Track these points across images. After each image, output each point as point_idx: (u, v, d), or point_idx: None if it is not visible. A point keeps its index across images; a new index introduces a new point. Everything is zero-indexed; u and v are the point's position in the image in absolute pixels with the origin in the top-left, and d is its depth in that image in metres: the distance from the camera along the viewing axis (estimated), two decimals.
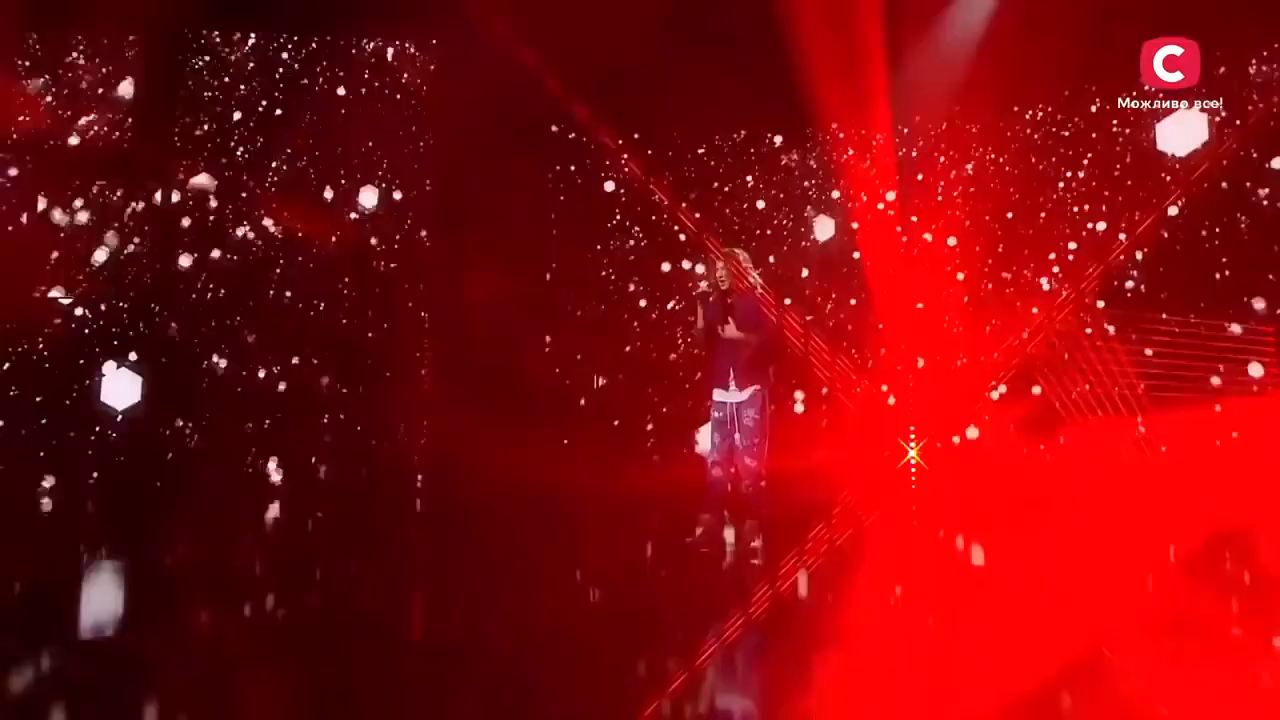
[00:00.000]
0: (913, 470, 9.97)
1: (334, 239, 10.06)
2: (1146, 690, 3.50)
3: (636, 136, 10.14)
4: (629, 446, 10.00)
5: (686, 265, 10.20)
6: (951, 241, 9.89)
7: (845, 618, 4.81)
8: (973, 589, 5.65)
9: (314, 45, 10.08)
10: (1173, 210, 9.27)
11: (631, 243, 10.46)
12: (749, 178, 10.42)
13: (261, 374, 9.83)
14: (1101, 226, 9.55)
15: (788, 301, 9.51)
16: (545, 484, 8.73)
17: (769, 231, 10.35)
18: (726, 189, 10.40)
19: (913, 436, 10.01)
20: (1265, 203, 9.25)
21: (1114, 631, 4.39)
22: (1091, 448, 9.32)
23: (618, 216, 10.45)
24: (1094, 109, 9.50)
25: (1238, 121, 9.10)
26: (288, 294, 9.99)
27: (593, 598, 5.45)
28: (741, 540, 6.12)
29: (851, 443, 9.87)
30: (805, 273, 10.29)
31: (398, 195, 10.18)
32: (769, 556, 6.00)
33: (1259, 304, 9.16)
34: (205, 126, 10.02)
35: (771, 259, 10.01)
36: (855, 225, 10.19)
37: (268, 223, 10.05)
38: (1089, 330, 9.52)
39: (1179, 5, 8.15)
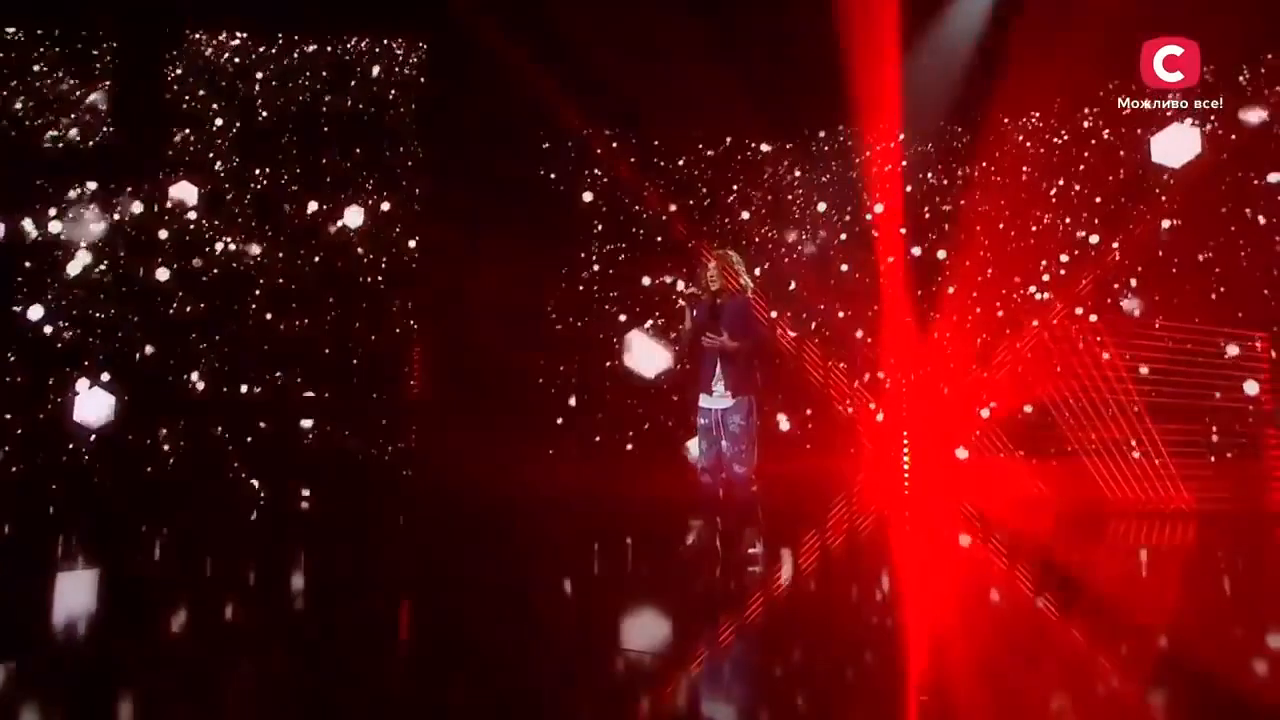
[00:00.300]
0: (905, 479, 9.81)
1: (320, 247, 9.79)
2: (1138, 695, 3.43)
3: (615, 146, 9.99)
4: (617, 456, 9.83)
5: (668, 279, 9.99)
6: (941, 255, 9.72)
7: (844, 625, 4.64)
8: (970, 595, 5.52)
9: (298, 45, 9.82)
10: (1165, 223, 9.17)
11: (616, 250, 10.24)
12: (734, 186, 10.20)
13: (244, 388, 9.56)
14: (1095, 239, 9.39)
15: (773, 315, 9.34)
16: (534, 495, 8.67)
17: (756, 240, 10.12)
18: (707, 202, 10.18)
19: (905, 446, 9.84)
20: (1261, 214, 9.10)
21: (1107, 637, 4.31)
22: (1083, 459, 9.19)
23: (599, 226, 10.24)
24: (1092, 111, 9.33)
25: (1233, 137, 8.95)
26: (270, 305, 9.71)
27: (584, 607, 5.19)
28: (738, 547, 5.84)
29: (843, 452, 9.79)
30: (792, 285, 10.07)
31: (386, 206, 9.93)
32: (766, 563, 5.82)
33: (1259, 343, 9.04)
34: (185, 131, 9.74)
35: (757, 270, 9.78)
36: (843, 237, 10.01)
37: (251, 230, 9.78)
38: (1082, 345, 9.34)
39: (1179, 5, 7.99)
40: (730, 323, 5.87)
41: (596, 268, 10.25)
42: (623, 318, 10.04)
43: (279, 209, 9.80)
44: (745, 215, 10.18)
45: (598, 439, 9.95)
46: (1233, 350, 9.01)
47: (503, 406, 9.45)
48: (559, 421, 10.04)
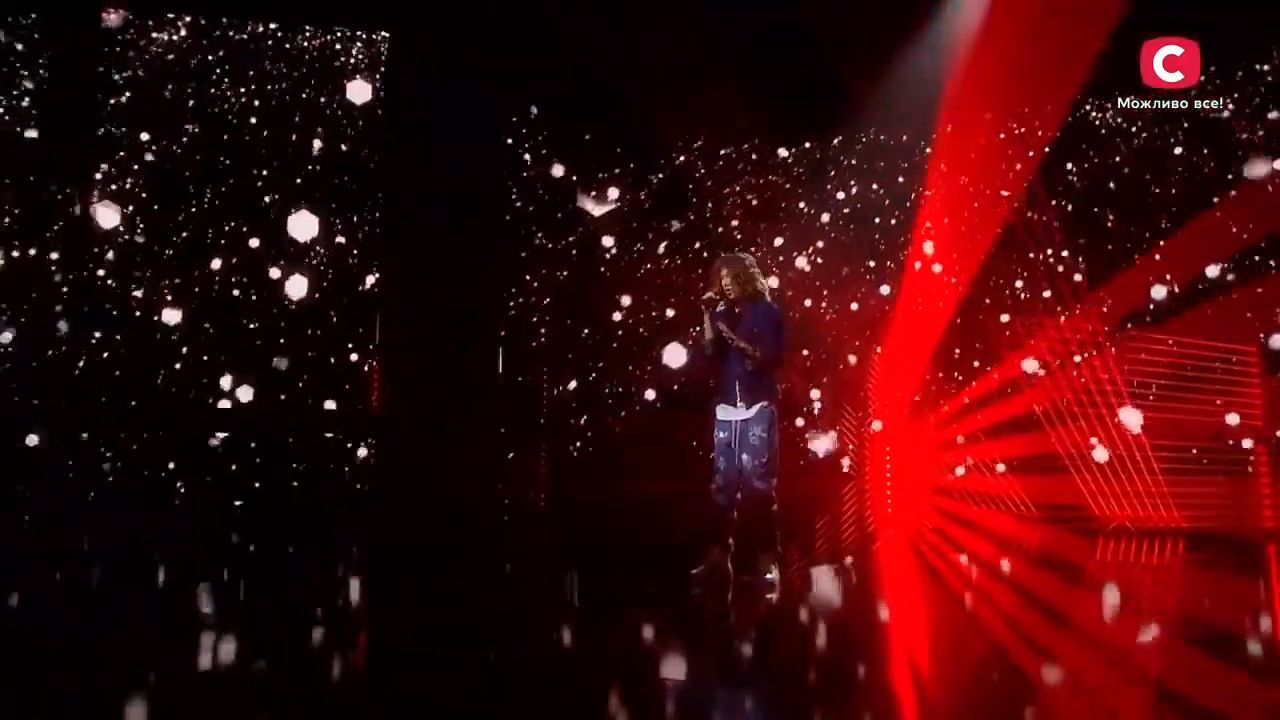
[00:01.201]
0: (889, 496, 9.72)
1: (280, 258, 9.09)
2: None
3: (593, 153, 9.62)
4: (606, 467, 9.57)
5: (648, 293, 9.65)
6: (937, 268, 9.55)
7: (857, 649, 4.42)
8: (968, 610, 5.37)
9: (248, 36, 9.08)
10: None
11: (588, 260, 9.84)
12: (702, 190, 9.88)
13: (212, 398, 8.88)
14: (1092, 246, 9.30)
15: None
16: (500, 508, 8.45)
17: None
18: (662, 225, 9.82)
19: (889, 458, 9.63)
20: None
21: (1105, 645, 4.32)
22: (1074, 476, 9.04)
23: (577, 233, 9.82)
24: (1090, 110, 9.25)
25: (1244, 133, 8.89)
26: (228, 312, 9.01)
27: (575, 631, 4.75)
28: (756, 572, 5.38)
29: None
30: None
31: (340, 224, 9.28)
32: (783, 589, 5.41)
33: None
34: (115, 132, 8.87)
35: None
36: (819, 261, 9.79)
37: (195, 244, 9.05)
38: (1078, 357, 9.20)
39: (1179, 5, 7.88)
40: (752, 327, 5.45)
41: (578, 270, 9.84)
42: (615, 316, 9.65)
43: (224, 221, 9.07)
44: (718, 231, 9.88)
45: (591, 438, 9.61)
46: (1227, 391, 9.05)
47: (464, 419, 8.95)
48: (527, 435, 9.61)
